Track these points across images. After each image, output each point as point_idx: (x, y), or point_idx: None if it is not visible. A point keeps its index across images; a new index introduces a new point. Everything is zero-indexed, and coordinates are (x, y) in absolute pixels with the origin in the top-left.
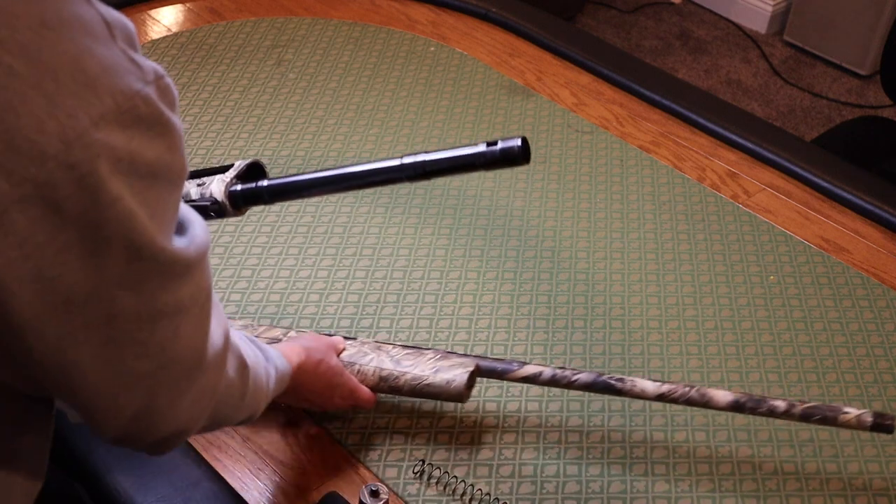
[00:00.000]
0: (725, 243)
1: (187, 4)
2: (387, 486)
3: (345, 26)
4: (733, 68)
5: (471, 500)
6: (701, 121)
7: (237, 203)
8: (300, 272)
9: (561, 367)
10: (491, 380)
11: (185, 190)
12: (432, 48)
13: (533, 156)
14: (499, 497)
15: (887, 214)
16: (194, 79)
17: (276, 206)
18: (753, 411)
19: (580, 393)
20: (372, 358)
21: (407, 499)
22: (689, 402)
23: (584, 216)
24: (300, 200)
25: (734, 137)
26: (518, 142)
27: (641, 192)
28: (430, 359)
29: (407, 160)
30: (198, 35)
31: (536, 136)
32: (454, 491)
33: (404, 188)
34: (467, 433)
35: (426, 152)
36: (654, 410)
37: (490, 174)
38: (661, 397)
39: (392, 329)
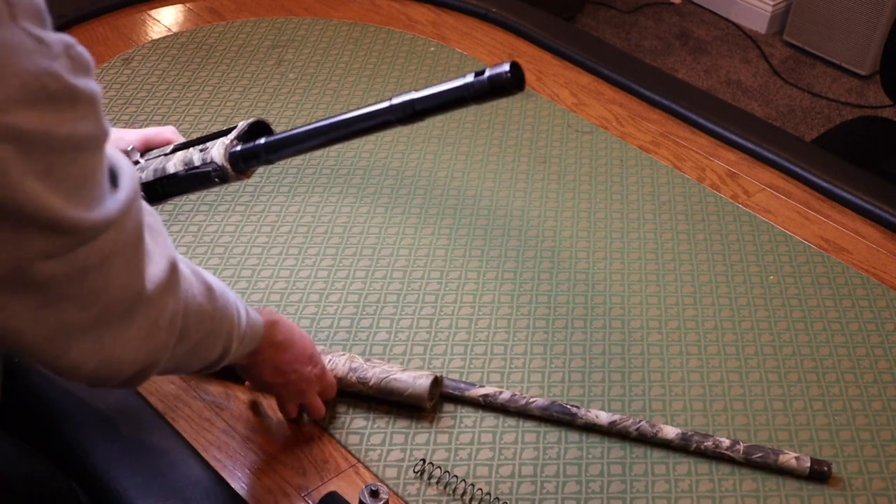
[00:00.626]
0: (725, 243)
1: (187, 4)
2: (387, 486)
3: (345, 26)
4: (733, 68)
5: (471, 500)
6: (701, 121)
7: (237, 165)
8: (300, 272)
9: (519, 392)
10: (487, 380)
11: (188, 157)
12: (432, 48)
13: (533, 155)
14: (499, 497)
15: (887, 214)
16: (194, 79)
17: (275, 206)
18: (699, 445)
19: (580, 394)
20: (343, 353)
21: (407, 499)
22: (640, 431)
23: (584, 216)
24: (300, 199)
25: (734, 137)
26: (506, 67)
27: (641, 192)
28: (397, 364)
29: (396, 101)
30: (198, 35)
31: (536, 136)
32: (454, 491)
33: (404, 188)
34: (467, 433)
35: (415, 91)
36: (654, 411)
37: (490, 172)
38: (612, 424)
39: (392, 329)
